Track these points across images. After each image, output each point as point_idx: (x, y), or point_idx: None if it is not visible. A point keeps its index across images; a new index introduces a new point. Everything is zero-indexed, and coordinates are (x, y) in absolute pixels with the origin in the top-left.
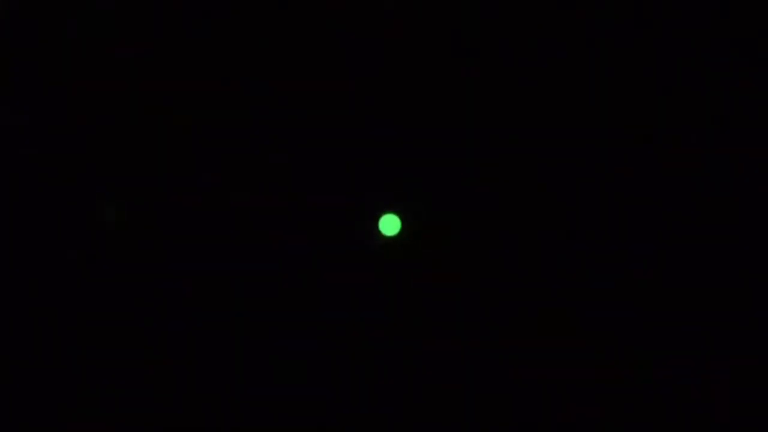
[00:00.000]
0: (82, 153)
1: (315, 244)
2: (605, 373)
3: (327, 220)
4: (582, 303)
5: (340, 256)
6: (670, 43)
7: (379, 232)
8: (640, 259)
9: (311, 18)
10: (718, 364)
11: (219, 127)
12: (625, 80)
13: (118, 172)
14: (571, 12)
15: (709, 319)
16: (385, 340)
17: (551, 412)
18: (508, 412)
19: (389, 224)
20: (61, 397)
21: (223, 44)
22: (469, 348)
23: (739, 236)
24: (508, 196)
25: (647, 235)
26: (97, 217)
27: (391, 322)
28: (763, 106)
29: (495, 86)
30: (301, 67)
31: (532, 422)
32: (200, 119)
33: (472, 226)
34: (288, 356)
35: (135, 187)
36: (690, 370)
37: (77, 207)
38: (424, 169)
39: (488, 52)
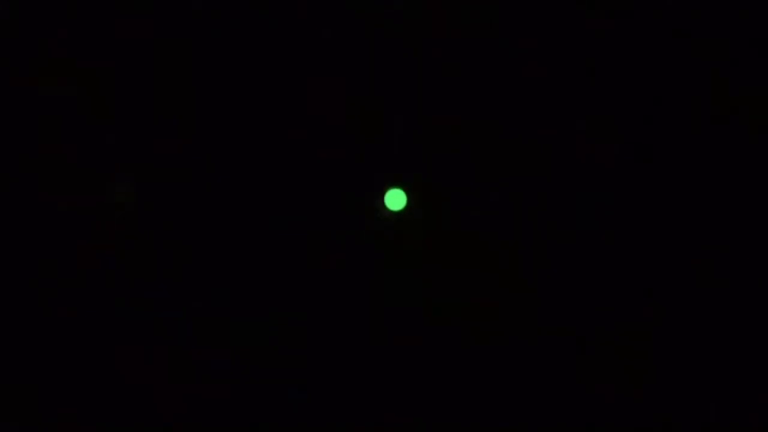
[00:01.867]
0: (92, 138)
1: (321, 219)
2: (608, 363)
3: (333, 195)
4: (586, 285)
5: (346, 231)
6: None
7: (384, 206)
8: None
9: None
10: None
11: (226, 104)
12: (625, 79)
13: (123, 159)
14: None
15: (709, 318)
16: (390, 318)
17: (552, 399)
18: (508, 393)
19: (395, 199)
20: (63, 394)
21: (233, 23)
22: (474, 326)
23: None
24: (512, 173)
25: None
26: (106, 203)
27: (397, 298)
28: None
29: (499, 64)
30: (309, 46)
31: (533, 409)
32: (208, 96)
33: (477, 201)
34: (293, 333)
35: (145, 171)
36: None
37: (86, 192)
38: (430, 144)
39: (491, 34)
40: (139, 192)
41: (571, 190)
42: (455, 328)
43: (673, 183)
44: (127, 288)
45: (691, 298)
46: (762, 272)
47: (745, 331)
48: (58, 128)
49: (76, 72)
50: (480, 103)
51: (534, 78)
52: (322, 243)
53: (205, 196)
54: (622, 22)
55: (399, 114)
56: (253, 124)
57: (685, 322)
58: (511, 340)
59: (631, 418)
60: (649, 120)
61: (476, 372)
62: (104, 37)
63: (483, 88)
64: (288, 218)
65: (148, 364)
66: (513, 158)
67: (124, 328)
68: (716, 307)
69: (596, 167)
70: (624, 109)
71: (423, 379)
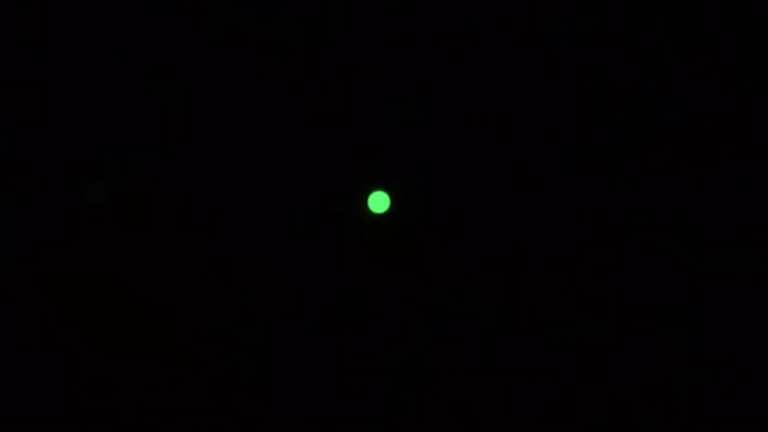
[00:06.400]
0: (74, 137)
1: (304, 221)
2: (595, 357)
3: (316, 198)
4: (571, 284)
5: (329, 233)
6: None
7: (368, 209)
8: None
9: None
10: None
11: (210, 108)
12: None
13: (106, 156)
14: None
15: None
16: (374, 319)
17: (542, 397)
18: (496, 392)
19: (378, 202)
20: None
21: (214, 24)
22: (457, 328)
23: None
24: (496, 175)
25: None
26: (87, 200)
27: (380, 300)
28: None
29: (482, 67)
30: (294, 49)
31: (521, 407)
32: (190, 102)
33: (460, 203)
34: (276, 334)
35: (124, 169)
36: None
37: (66, 190)
38: (414, 147)
39: (474, 34)
40: (129, 194)
41: (556, 193)
42: (437, 330)
43: (673, 183)
44: (123, 289)
45: (691, 297)
46: (762, 272)
47: (745, 330)
48: (58, 128)
49: (76, 72)
50: (463, 108)
51: (517, 82)
52: (305, 245)
53: (187, 196)
54: (620, 22)
55: (383, 117)
56: (235, 127)
57: (685, 322)
58: (494, 342)
59: (631, 418)
60: (643, 123)
61: (460, 374)
62: (105, 37)
63: (466, 93)
64: (271, 222)
65: (148, 364)
66: (497, 162)
67: (124, 328)
68: (716, 307)
69: (581, 168)
70: (620, 121)
71: (406, 383)
